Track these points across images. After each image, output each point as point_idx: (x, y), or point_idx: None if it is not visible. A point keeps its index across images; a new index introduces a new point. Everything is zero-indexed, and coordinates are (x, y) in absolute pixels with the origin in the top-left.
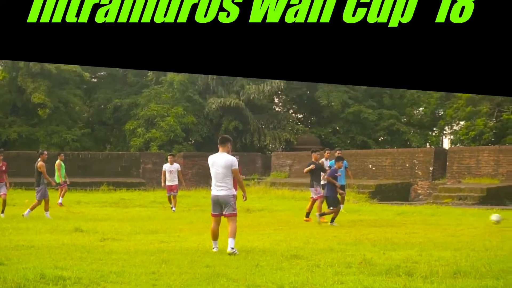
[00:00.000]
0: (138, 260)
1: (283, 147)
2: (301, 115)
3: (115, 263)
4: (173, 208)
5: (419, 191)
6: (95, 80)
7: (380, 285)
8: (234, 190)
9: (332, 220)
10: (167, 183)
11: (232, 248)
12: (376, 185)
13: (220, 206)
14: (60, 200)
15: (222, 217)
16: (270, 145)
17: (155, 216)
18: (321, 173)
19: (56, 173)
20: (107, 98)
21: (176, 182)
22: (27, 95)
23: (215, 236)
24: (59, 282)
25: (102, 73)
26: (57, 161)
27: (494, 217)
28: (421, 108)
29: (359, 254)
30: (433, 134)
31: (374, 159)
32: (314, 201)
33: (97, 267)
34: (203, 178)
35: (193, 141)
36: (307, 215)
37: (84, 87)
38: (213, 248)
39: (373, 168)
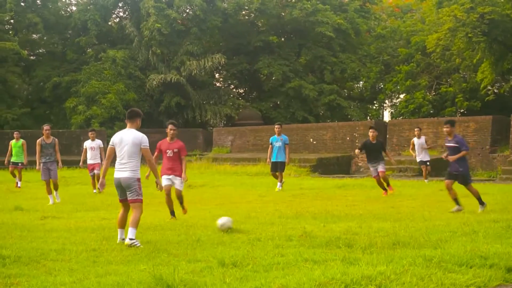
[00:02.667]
0: (79, 237)
1: (224, 122)
2: (242, 90)
3: (56, 241)
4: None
5: (360, 164)
6: (34, 57)
7: (320, 257)
8: (138, 173)
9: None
10: (89, 161)
11: (131, 239)
12: (317, 158)
13: (123, 190)
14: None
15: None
16: (212, 120)
17: (96, 194)
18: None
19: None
20: (46, 75)
21: (98, 160)
22: None
23: (120, 224)
24: None
25: (40, 51)
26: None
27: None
28: (361, 82)
29: (299, 227)
30: (374, 108)
31: (315, 133)
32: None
33: (37, 245)
34: None
35: None
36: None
37: (23, 65)
38: (119, 238)
39: (314, 142)
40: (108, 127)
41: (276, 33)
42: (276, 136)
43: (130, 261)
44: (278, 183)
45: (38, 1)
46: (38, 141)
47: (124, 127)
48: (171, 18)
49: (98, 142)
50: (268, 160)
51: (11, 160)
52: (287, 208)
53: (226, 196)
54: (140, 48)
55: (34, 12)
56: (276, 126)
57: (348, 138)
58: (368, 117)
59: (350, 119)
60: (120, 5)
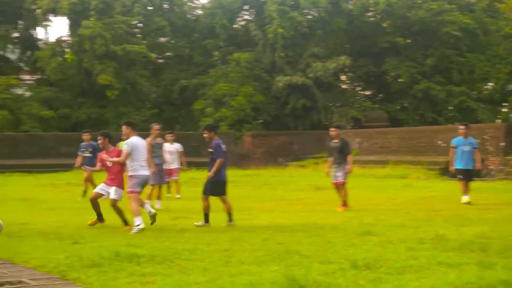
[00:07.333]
0: (211, 237)
1: (352, 124)
2: (369, 92)
3: (188, 241)
4: (178, 195)
5: (490, 167)
6: (162, 60)
7: (454, 261)
8: None
9: None
10: (166, 166)
11: None
12: (447, 161)
13: None
14: None
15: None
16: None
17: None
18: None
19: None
20: (174, 78)
21: (176, 165)
22: (94, 77)
23: None
24: (134, 260)
25: (168, 54)
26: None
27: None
28: (490, 84)
29: (431, 230)
30: (503, 110)
31: (444, 135)
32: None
33: (170, 245)
34: (271, 157)
35: (261, 120)
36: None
37: (151, 68)
38: None
39: (443, 145)
40: (236, 129)
41: (402, 34)
42: (462, 137)
43: (262, 262)
44: (465, 195)
45: (165, 5)
46: (148, 140)
47: (252, 129)
48: (295, 21)
49: (177, 146)
50: (451, 167)
51: None
52: (418, 211)
53: (353, 198)
54: (264, 51)
55: (161, 16)
56: (461, 127)
57: (478, 141)
58: (498, 120)
59: (480, 121)
60: (246, 8)
